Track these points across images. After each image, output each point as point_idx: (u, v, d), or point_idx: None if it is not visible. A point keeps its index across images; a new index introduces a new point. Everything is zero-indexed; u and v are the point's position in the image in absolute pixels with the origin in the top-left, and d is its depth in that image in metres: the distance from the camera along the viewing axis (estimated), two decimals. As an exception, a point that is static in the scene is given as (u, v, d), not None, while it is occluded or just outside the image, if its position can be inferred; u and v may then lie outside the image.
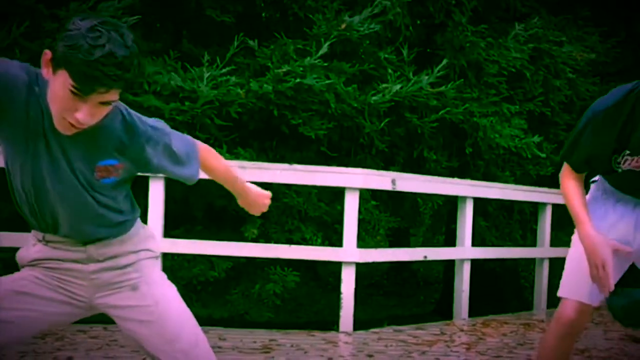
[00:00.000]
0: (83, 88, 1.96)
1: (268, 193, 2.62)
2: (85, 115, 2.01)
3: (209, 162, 2.45)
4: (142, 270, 2.34)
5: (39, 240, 2.29)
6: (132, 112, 2.23)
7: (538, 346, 3.18)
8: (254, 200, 2.61)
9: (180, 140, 2.32)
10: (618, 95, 2.74)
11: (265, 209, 2.66)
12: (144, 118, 2.25)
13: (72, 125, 2.04)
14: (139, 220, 2.39)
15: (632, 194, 2.97)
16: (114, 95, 2.02)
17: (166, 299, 2.34)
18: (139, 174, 2.36)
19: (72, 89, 1.97)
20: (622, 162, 2.81)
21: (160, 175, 5.64)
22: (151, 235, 2.43)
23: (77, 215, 2.22)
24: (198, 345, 2.37)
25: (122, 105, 2.19)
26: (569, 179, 2.93)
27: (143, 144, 2.20)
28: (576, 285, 2.96)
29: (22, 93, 2.07)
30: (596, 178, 3.12)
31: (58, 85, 2.00)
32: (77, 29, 1.96)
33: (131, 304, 2.32)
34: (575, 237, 3.00)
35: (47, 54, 2.02)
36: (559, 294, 3.03)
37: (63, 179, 2.16)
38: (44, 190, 2.17)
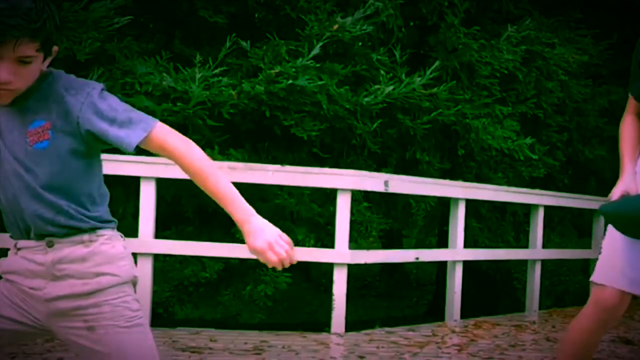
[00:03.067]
0: None
1: (283, 241, 2.06)
2: (4, 72, 1.94)
3: (173, 147, 2.04)
4: (101, 306, 2.08)
5: (15, 248, 2.14)
6: (65, 74, 2.12)
7: (569, 328, 3.17)
8: (255, 244, 2.05)
9: (117, 102, 2.06)
10: None
11: (275, 264, 2.06)
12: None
13: (6, 89, 1.97)
14: (113, 237, 2.13)
15: None
16: (28, 49, 1.93)
17: (122, 351, 2.08)
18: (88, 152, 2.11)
19: None
20: None
21: (152, 175, 5.64)
22: (121, 257, 2.12)
23: (24, 201, 2.06)
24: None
25: (57, 71, 2.10)
26: (627, 115, 3.05)
27: (62, 92, 2.04)
28: (616, 272, 2.98)
29: None
30: None
31: None
32: None
33: (84, 344, 2.09)
34: (609, 227, 3.04)
35: None
36: (595, 279, 3.03)
37: (3, 156, 2.06)
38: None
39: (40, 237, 2.07)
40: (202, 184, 2.06)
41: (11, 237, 2.16)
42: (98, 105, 2.03)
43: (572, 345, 3.10)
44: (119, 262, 2.11)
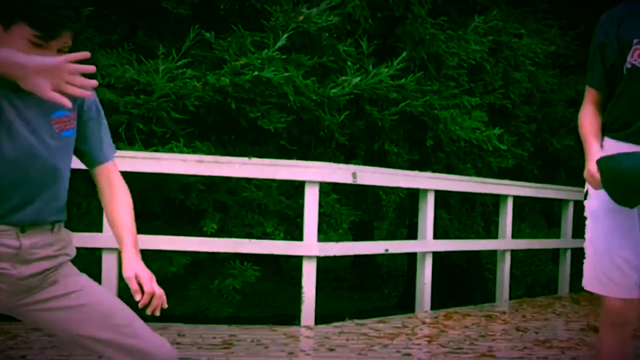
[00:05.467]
0: (47, 34, 2.07)
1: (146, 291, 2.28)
2: None
3: (120, 180, 2.44)
4: (59, 269, 2.35)
5: None
6: None
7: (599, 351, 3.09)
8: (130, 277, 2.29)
9: (107, 127, 2.42)
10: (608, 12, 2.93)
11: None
12: None
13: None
14: (63, 224, 2.40)
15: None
16: (69, 40, 2.13)
17: (90, 284, 2.38)
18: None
19: (34, 39, 2.06)
20: (632, 55, 2.82)
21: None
22: (71, 240, 2.42)
23: (30, 183, 2.21)
24: (135, 320, 2.37)
25: None
26: (586, 105, 3.01)
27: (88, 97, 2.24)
28: (608, 280, 2.90)
29: None
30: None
31: (16, 41, 2.07)
32: None
33: (57, 294, 2.32)
34: (588, 223, 2.98)
35: None
36: (588, 288, 2.96)
37: (19, 141, 2.17)
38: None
39: (14, 223, 2.21)
40: (116, 214, 2.40)
41: None
42: (100, 109, 2.37)
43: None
44: (71, 245, 2.41)
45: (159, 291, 2.28)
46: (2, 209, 2.19)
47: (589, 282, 2.97)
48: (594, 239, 2.95)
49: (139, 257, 2.33)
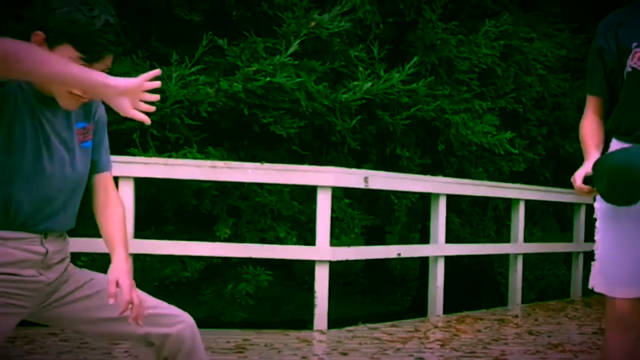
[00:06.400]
0: (90, 56, 2.14)
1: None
2: None
3: (114, 191, 2.54)
4: (67, 269, 2.44)
5: None
6: None
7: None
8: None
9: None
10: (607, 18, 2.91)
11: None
12: None
13: (79, 96, 2.19)
14: None
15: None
16: (110, 63, 2.21)
17: (97, 274, 2.47)
18: None
19: (78, 60, 2.13)
20: (632, 59, 2.80)
21: (130, 175, 5.60)
22: (68, 242, 2.48)
23: (61, 194, 2.29)
24: (147, 294, 2.46)
25: None
26: (587, 114, 2.97)
27: (96, 106, 2.41)
28: (616, 281, 2.88)
29: (13, 86, 2.16)
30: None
31: None
32: (69, 4, 2.14)
33: (71, 289, 2.41)
34: (598, 224, 2.96)
35: (39, 34, 2.16)
36: (596, 289, 2.93)
37: (55, 155, 2.25)
38: (38, 173, 2.22)
39: (43, 237, 2.28)
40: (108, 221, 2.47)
41: None
42: (106, 119, 2.47)
43: None
44: (69, 246, 2.48)
45: (137, 300, 2.29)
46: (34, 220, 2.26)
47: (596, 283, 2.95)
48: (603, 240, 2.94)
49: (127, 263, 2.38)
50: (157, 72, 2.12)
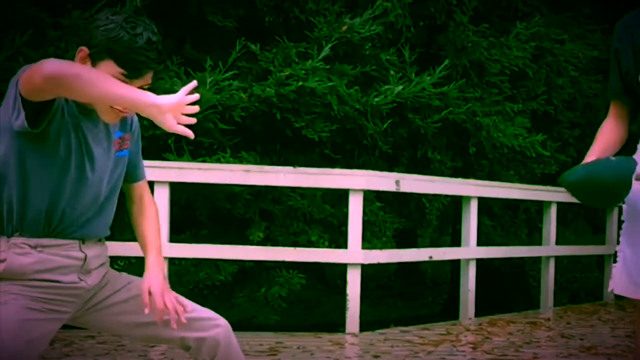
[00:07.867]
0: (132, 73, 2.19)
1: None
2: None
3: (149, 195, 2.65)
4: (106, 274, 2.50)
5: (32, 248, 2.28)
6: None
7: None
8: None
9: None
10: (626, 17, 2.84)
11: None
12: None
13: (120, 111, 2.27)
14: None
15: None
16: (150, 79, 2.26)
17: (134, 278, 2.54)
18: None
19: (120, 76, 2.18)
20: None
21: (165, 180, 5.68)
22: (107, 248, 2.55)
23: (97, 202, 2.37)
24: (185, 299, 2.51)
25: None
26: (608, 117, 2.90)
27: (132, 116, 2.48)
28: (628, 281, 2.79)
29: (60, 100, 2.22)
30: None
31: None
32: (113, 22, 2.21)
33: (109, 293, 2.47)
34: (624, 225, 2.89)
35: (84, 50, 2.23)
36: (617, 291, 2.81)
37: (96, 165, 2.33)
38: (81, 184, 2.30)
39: (77, 237, 2.34)
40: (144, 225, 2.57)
41: (29, 235, 2.28)
42: (139, 129, 2.56)
43: None
44: (107, 252, 2.53)
45: (170, 306, 2.37)
46: (72, 227, 2.33)
47: (616, 285, 2.81)
48: (628, 241, 2.82)
49: (160, 269, 2.47)
50: (194, 84, 2.16)
